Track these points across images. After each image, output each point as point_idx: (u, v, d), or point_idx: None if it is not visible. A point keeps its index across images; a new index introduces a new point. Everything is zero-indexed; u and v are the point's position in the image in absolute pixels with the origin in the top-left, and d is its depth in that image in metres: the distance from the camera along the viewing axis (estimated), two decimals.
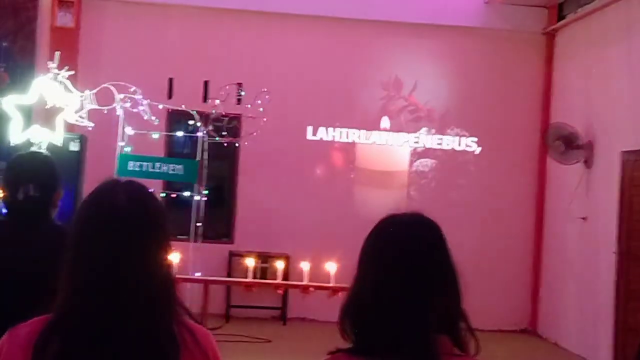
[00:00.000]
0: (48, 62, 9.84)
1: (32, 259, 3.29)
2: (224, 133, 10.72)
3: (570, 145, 11.34)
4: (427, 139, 13.15)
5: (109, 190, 2.21)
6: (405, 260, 2.24)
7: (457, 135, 13.18)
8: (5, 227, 3.58)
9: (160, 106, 10.55)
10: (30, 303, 2.22)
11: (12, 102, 9.25)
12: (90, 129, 9.98)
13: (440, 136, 13.16)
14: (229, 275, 12.07)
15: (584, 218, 11.33)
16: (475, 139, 13.15)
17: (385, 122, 13.05)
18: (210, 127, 10.70)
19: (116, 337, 2.05)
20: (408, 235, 2.30)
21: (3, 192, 3.61)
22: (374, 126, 13.02)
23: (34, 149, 9.27)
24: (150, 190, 2.29)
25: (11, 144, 9.40)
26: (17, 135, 9.23)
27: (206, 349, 2.19)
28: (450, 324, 2.25)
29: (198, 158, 10.82)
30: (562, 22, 12.64)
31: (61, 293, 2.11)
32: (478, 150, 13.16)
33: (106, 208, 2.15)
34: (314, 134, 12.94)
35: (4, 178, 3.62)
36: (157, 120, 10.46)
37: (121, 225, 2.13)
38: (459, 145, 13.18)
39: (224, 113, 10.59)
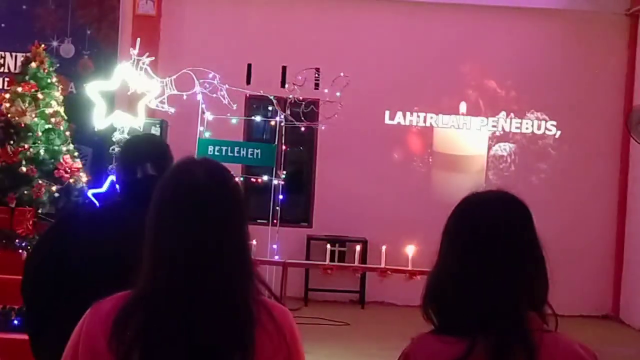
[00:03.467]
0: (130, 49, 10.04)
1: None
2: (302, 118, 10.78)
3: None
4: (506, 122, 13.00)
5: (187, 167, 2.22)
6: (489, 235, 2.23)
7: (537, 119, 13.00)
8: (121, 207, 3.59)
9: (240, 91, 10.66)
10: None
11: (95, 89, 9.46)
12: (170, 114, 10.15)
13: (520, 120, 13.00)
14: (307, 259, 12.14)
15: None
16: (556, 123, 12.96)
17: (463, 106, 12.95)
18: (288, 112, 10.77)
19: (195, 313, 2.06)
20: (492, 209, 2.29)
21: (120, 172, 3.63)
22: (453, 110, 12.94)
23: (117, 134, 9.50)
24: (226, 168, 2.31)
25: (95, 129, 9.64)
26: (100, 120, 9.44)
27: (283, 327, 2.18)
28: (537, 302, 2.25)
29: (276, 143, 10.91)
30: None
31: (143, 269, 2.14)
32: (558, 134, 12.97)
33: (185, 184, 2.17)
34: (392, 118, 12.92)
35: (122, 158, 3.65)
36: (236, 105, 10.58)
37: (200, 200, 2.14)
38: (539, 129, 13.00)
39: (301, 98, 10.65)
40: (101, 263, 3.24)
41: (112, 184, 9.09)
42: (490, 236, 2.23)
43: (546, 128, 12.99)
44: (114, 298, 2.18)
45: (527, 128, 13.00)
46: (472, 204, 2.32)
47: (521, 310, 2.19)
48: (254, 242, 8.83)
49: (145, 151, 3.61)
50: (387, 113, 12.87)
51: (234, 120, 11.00)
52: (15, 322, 7.26)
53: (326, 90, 10.75)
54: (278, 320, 2.18)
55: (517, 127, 13.00)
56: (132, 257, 3.29)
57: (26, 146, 8.71)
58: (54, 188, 8.70)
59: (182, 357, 2.06)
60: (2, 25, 12.41)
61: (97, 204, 8.85)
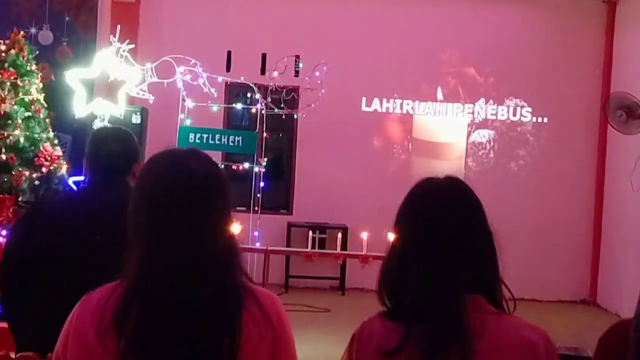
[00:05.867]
0: (110, 36, 10.01)
1: (113, 236, 3.37)
2: (282, 105, 10.79)
3: (632, 115, 11.17)
4: (485, 109, 13.06)
5: (180, 157, 2.25)
6: (432, 221, 2.26)
7: (515, 105, 13.07)
8: (89, 191, 3.66)
9: (220, 79, 10.66)
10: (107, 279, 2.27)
11: (75, 76, 9.43)
12: (151, 102, 10.14)
13: (499, 107, 13.06)
14: (287, 246, 12.17)
15: None
16: (534, 109, 13.04)
17: (442, 93, 12.99)
18: (269, 99, 10.78)
19: (193, 300, 2.10)
20: (434, 195, 2.33)
21: (87, 160, 3.68)
22: (431, 97, 12.98)
23: (97, 121, 9.50)
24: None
25: (75, 117, 9.62)
26: (80, 108, 9.42)
27: (269, 312, 2.22)
28: (486, 286, 2.26)
29: (257, 130, 10.92)
30: None
31: (136, 258, 2.15)
32: (537, 120, 13.05)
33: (181, 174, 2.20)
34: (372, 105, 12.93)
35: (88, 146, 3.70)
36: (216, 92, 10.58)
37: (197, 189, 2.18)
38: (518, 115, 13.07)
39: (282, 85, 10.66)
40: (70, 246, 3.33)
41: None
42: (430, 220, 2.27)
43: (524, 115, 13.06)
44: (103, 289, 2.20)
45: (505, 115, 13.07)
46: (419, 189, 2.37)
47: (456, 295, 2.19)
48: (236, 229, 8.84)
49: (109, 134, 3.77)
50: (367, 100, 12.90)
51: (214, 108, 10.99)
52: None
53: (307, 78, 10.76)
54: (264, 306, 2.21)
55: (495, 114, 13.06)
56: (99, 239, 3.36)
57: (6, 134, 8.69)
58: (34, 176, 8.69)
59: (178, 344, 2.09)
60: None
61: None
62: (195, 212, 2.16)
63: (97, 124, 9.46)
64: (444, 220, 2.27)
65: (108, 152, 3.57)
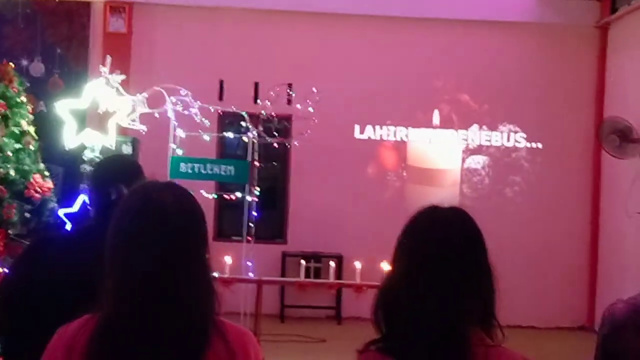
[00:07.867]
0: (100, 67, 9.97)
1: None
2: (275, 134, 10.73)
3: (626, 139, 11.17)
4: (479, 135, 13.04)
5: (157, 194, 2.23)
6: (439, 253, 2.22)
7: (509, 131, 13.05)
8: (96, 232, 3.57)
9: (212, 108, 10.61)
10: None
11: (66, 107, 9.38)
12: (143, 132, 10.08)
13: (493, 132, 13.05)
14: (282, 276, 12.09)
15: None
16: (528, 135, 13.02)
17: (436, 119, 12.98)
18: (261, 128, 10.72)
19: (161, 337, 2.09)
20: (442, 228, 2.28)
21: (92, 194, 3.59)
22: (425, 124, 12.96)
23: (87, 152, 9.42)
24: (190, 192, 2.32)
25: (65, 148, 9.54)
26: (70, 139, 9.35)
27: (236, 350, 2.19)
28: (484, 318, 2.24)
29: (249, 159, 10.85)
30: (616, 14, 12.44)
31: (110, 293, 2.14)
32: (531, 145, 13.03)
33: (156, 212, 2.18)
34: (366, 132, 12.91)
35: (94, 180, 3.63)
36: (209, 122, 10.52)
37: (171, 227, 2.16)
38: (512, 141, 13.06)
39: (274, 114, 10.60)
40: (75, 288, 3.25)
41: (84, 204, 9.00)
42: (436, 252, 2.23)
43: (518, 140, 13.04)
44: (79, 321, 2.20)
45: (500, 140, 13.05)
46: (423, 218, 2.32)
47: (463, 328, 2.17)
48: (229, 259, 8.78)
49: (118, 172, 3.60)
50: (361, 128, 12.88)
51: (206, 137, 10.93)
52: None
53: (299, 106, 10.72)
54: (231, 343, 2.18)
55: (489, 140, 13.04)
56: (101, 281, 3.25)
57: None
58: (25, 208, 8.60)
59: None
60: None
61: (69, 224, 8.76)
62: (169, 248, 2.14)
63: (87, 155, 9.40)
64: (454, 252, 2.23)
65: (118, 199, 3.47)
